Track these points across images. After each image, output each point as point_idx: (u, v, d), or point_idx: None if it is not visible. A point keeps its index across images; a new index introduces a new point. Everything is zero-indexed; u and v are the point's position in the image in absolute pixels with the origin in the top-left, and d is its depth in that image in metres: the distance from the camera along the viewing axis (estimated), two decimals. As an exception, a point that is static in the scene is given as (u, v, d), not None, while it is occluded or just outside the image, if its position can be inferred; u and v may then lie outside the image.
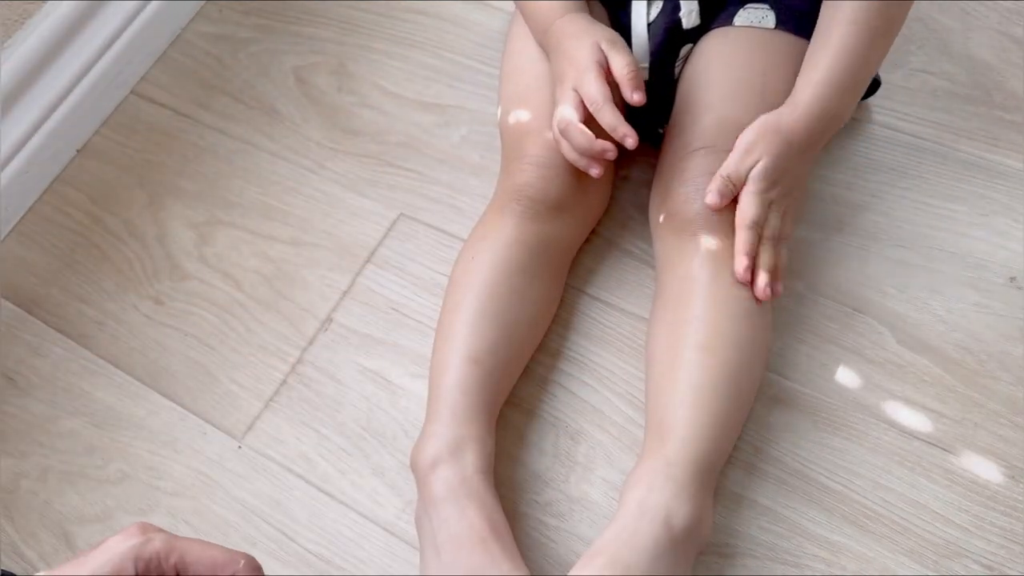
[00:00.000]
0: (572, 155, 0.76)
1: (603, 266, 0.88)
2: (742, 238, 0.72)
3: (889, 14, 0.73)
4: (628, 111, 0.81)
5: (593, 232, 0.89)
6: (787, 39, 0.79)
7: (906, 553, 0.72)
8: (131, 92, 1.10)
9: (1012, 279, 0.81)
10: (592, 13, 0.82)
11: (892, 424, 0.77)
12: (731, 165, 0.72)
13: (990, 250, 0.83)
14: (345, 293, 0.91)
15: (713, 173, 0.74)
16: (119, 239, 0.99)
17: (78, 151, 1.07)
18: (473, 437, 0.72)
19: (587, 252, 0.88)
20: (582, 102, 0.74)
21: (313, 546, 0.80)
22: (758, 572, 0.73)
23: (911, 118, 0.90)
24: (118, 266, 0.98)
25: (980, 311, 0.80)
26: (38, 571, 0.83)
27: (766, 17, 0.80)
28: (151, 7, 1.10)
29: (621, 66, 0.73)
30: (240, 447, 0.85)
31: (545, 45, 0.81)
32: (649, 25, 0.82)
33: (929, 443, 0.76)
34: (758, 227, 0.73)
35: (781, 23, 0.79)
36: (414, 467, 0.74)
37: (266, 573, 0.78)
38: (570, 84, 0.75)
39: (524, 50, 0.86)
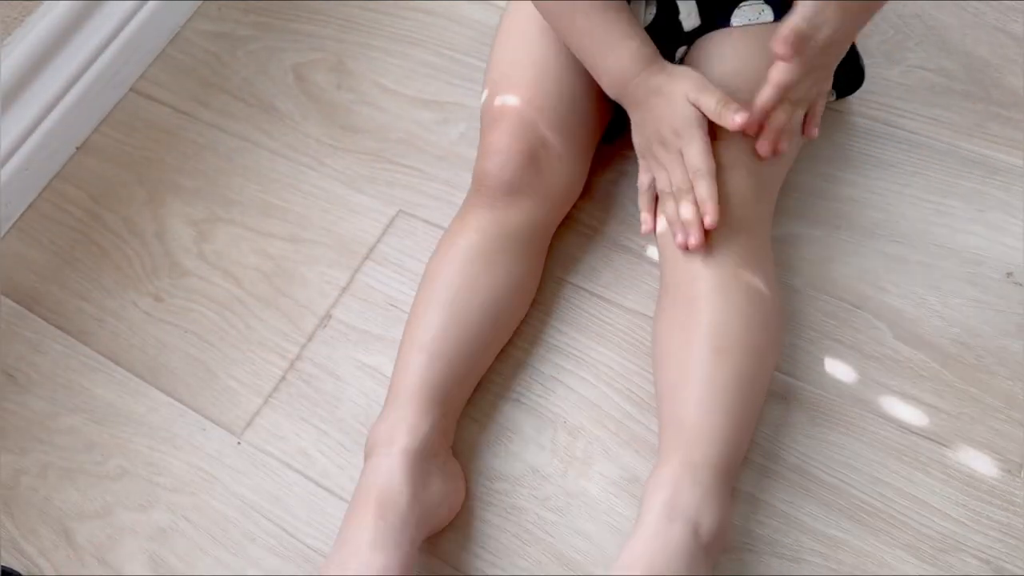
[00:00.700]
0: (675, 216, 0.75)
1: (601, 262, 0.88)
2: (767, 95, 0.71)
3: None
4: (615, 106, 0.83)
5: (591, 228, 0.89)
6: None
7: (903, 547, 0.72)
8: (130, 90, 1.10)
9: (1009, 274, 0.82)
10: None
11: (890, 419, 0.77)
12: (802, 22, 0.67)
13: (987, 246, 0.83)
14: (344, 290, 0.91)
15: (717, 178, 0.74)
16: (119, 236, 1.00)
17: (78, 148, 1.07)
18: (406, 421, 0.73)
19: (584, 248, 0.89)
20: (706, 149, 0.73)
21: (312, 541, 0.80)
22: (755, 567, 0.73)
23: (909, 114, 0.90)
24: (117, 263, 0.98)
25: (977, 306, 0.80)
26: (38, 567, 0.83)
27: (763, 12, 0.80)
28: (150, 5, 1.10)
29: (713, 105, 0.73)
30: (239, 443, 0.85)
31: (621, 99, 0.79)
32: (647, 28, 0.82)
33: (926, 438, 0.76)
34: (787, 90, 0.71)
35: (779, 16, 0.79)
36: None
37: (265, 569, 0.78)
38: (675, 148, 0.74)
39: (507, 41, 0.86)
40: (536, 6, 0.80)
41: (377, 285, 0.91)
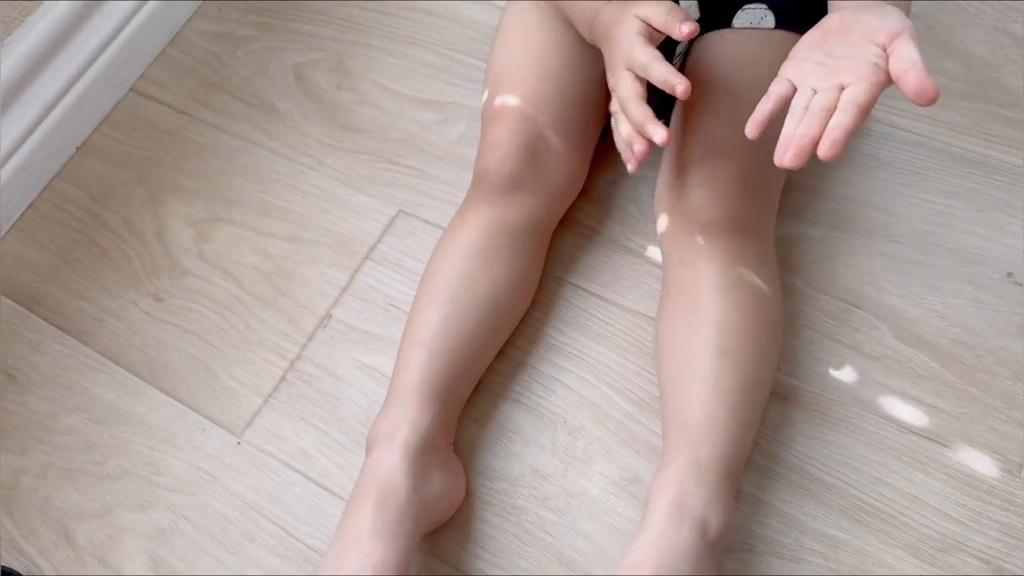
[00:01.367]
0: (622, 139, 0.71)
1: (600, 262, 0.88)
2: (855, 120, 0.59)
3: None
4: None
5: (590, 228, 0.89)
6: (788, 37, 0.78)
7: (903, 547, 0.72)
8: (130, 90, 1.10)
9: (1009, 274, 0.82)
10: None
11: (889, 419, 0.77)
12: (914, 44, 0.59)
13: (987, 246, 0.83)
14: (344, 290, 0.91)
15: (719, 179, 0.74)
16: (119, 236, 1.00)
17: (78, 148, 1.07)
18: (406, 417, 0.74)
19: (584, 248, 0.89)
20: (636, 76, 0.70)
21: (313, 541, 0.80)
22: (756, 567, 0.73)
23: (909, 114, 0.90)
24: (117, 263, 0.98)
25: (977, 306, 0.80)
26: (38, 567, 0.83)
27: (765, 17, 0.80)
28: (150, 5, 1.10)
29: (658, 15, 0.69)
30: (239, 443, 0.86)
31: (595, 42, 0.77)
32: None
33: (926, 438, 0.76)
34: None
35: (780, 23, 0.79)
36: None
37: (265, 569, 0.78)
38: (621, 64, 0.71)
39: (507, 39, 0.86)
40: None
41: (377, 285, 0.91)
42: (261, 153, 1.02)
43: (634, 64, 0.70)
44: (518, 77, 0.83)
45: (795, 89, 0.61)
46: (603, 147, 0.91)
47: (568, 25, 0.82)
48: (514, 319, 0.83)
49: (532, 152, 0.81)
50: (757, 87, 0.72)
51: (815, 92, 0.60)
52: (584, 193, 0.89)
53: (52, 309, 0.97)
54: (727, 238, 0.74)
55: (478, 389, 0.83)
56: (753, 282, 0.73)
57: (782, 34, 0.79)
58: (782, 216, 0.85)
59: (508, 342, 0.84)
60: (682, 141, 0.79)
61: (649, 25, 0.70)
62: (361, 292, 0.91)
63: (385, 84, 1.04)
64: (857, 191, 0.87)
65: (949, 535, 0.72)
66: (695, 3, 0.81)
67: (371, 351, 0.87)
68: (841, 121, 0.57)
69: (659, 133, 0.67)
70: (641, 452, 0.79)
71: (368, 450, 0.75)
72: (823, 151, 0.57)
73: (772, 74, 0.72)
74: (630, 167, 0.71)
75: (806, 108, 0.59)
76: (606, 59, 0.75)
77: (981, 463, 0.74)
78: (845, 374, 0.79)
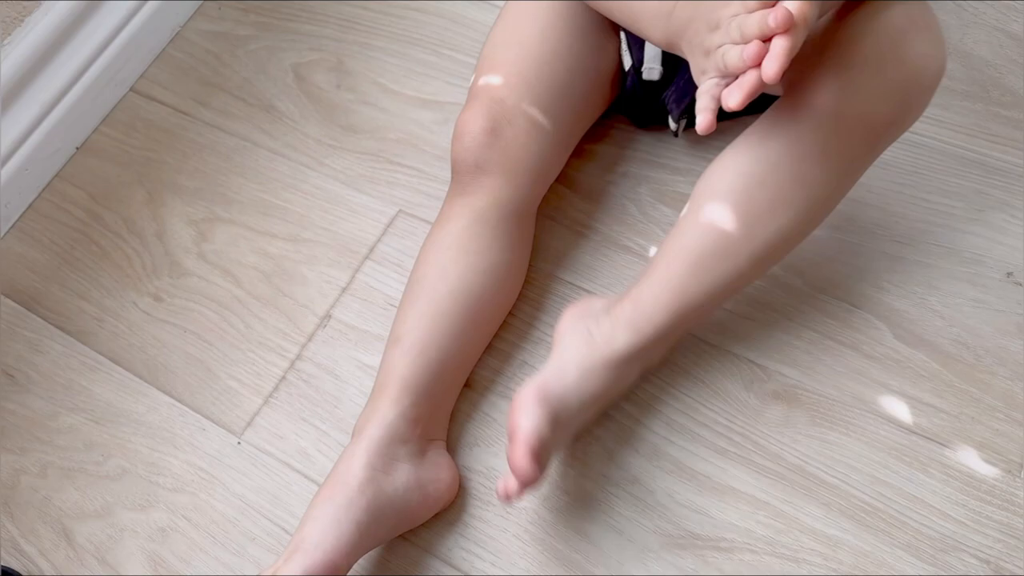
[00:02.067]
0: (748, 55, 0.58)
1: (600, 262, 0.88)
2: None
3: None
4: (642, 97, 0.85)
5: (590, 228, 0.89)
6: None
7: (903, 547, 0.72)
8: (130, 90, 1.10)
9: (1009, 274, 0.82)
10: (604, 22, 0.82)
11: (889, 419, 0.77)
12: None
13: (987, 246, 0.83)
14: (344, 290, 0.91)
15: None
16: (118, 236, 1.00)
17: (78, 148, 1.07)
18: (375, 411, 0.75)
19: (583, 248, 0.89)
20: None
21: (312, 541, 0.80)
22: (756, 566, 0.73)
23: (908, 114, 0.90)
24: (117, 263, 0.98)
25: (977, 306, 0.80)
26: (38, 567, 0.83)
27: None
28: (150, 5, 1.10)
29: None
30: (239, 443, 0.86)
31: (672, 42, 0.67)
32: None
33: (926, 438, 0.76)
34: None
35: None
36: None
37: (265, 569, 0.78)
38: (730, 20, 0.59)
39: (498, 27, 0.85)
40: None
41: (377, 285, 0.91)
42: (261, 153, 1.02)
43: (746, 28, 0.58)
44: (497, 60, 0.83)
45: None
46: (602, 147, 0.91)
47: (565, 15, 0.82)
48: (496, 309, 0.83)
49: (495, 133, 0.80)
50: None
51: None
52: (584, 193, 0.89)
53: (52, 309, 0.97)
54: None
55: (478, 388, 0.83)
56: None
57: None
58: (782, 216, 0.85)
59: (508, 342, 0.84)
60: None
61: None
62: (361, 292, 0.91)
63: (385, 84, 1.04)
64: (857, 191, 0.87)
65: (949, 535, 0.72)
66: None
67: (371, 351, 0.87)
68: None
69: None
70: (641, 452, 0.79)
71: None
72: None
73: None
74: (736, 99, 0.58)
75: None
76: (691, 65, 0.64)
77: (981, 463, 0.75)
78: (845, 374, 0.79)
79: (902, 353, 0.79)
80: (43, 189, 1.05)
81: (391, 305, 0.89)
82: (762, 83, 0.56)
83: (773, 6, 0.56)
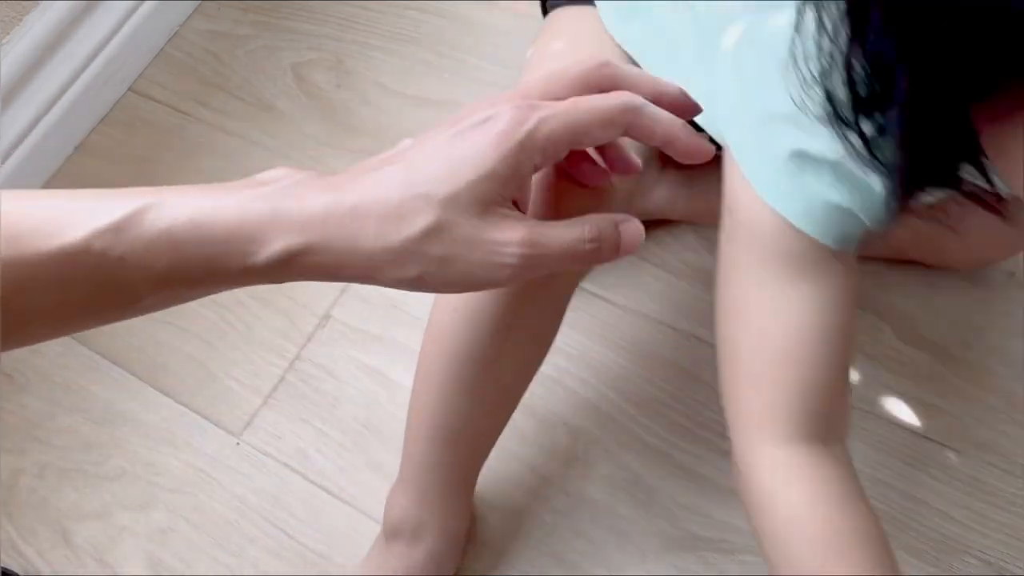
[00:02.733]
0: None
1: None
2: None
3: None
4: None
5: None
6: None
7: (905, 549, 0.72)
8: (129, 89, 1.10)
9: (1012, 275, 0.81)
10: None
11: (891, 419, 0.77)
12: None
13: (989, 245, 0.83)
14: (344, 290, 0.91)
15: None
16: (117, 236, 0.99)
17: (76, 148, 1.07)
18: (435, 519, 0.71)
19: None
20: None
21: (312, 542, 0.79)
22: (757, 567, 0.73)
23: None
24: (116, 263, 0.98)
25: (979, 306, 0.80)
26: (36, 568, 0.83)
27: None
28: (149, 4, 1.10)
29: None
30: (238, 443, 0.85)
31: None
32: None
33: (928, 438, 0.76)
34: None
35: None
36: (384, 514, 0.73)
37: (264, 570, 0.78)
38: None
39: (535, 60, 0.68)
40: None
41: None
42: (260, 152, 1.01)
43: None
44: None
45: None
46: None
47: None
48: (505, 384, 0.66)
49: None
50: None
51: None
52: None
53: (50, 309, 0.96)
54: None
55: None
56: None
57: None
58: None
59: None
60: None
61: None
62: (361, 292, 0.91)
63: (384, 83, 1.03)
64: (858, 191, 0.87)
65: (951, 536, 0.72)
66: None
67: (371, 351, 0.87)
68: None
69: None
70: (641, 453, 0.78)
71: (388, 533, 0.72)
72: None
73: None
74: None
75: None
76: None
77: (983, 464, 0.74)
78: (846, 374, 0.79)
79: (905, 353, 0.79)
80: (41, 189, 1.05)
81: (391, 305, 0.89)
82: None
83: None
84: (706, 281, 0.82)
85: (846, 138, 0.44)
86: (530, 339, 0.63)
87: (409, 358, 0.86)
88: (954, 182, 0.43)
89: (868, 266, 0.83)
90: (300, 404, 0.86)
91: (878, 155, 0.44)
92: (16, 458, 0.88)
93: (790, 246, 0.52)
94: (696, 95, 0.41)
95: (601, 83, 0.39)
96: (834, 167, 0.48)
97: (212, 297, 0.96)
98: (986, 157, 0.41)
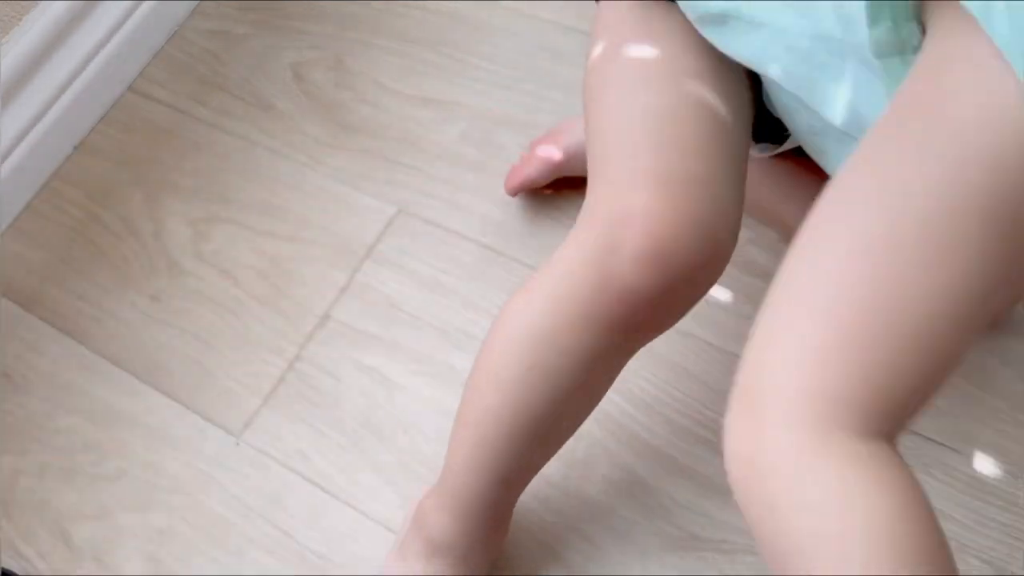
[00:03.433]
0: None
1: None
2: None
3: None
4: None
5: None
6: None
7: (906, 549, 0.72)
8: (128, 88, 1.10)
9: (1012, 274, 0.81)
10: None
11: (891, 420, 0.77)
12: None
13: (990, 245, 0.83)
14: (343, 290, 0.91)
15: None
16: (116, 236, 0.99)
17: (75, 147, 1.07)
18: (482, 543, 0.70)
19: (586, 248, 0.88)
20: None
21: (311, 543, 0.79)
22: (759, 568, 0.73)
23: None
24: (115, 263, 0.97)
25: (980, 306, 0.80)
26: (36, 568, 0.83)
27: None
28: (148, 3, 1.10)
29: None
30: (238, 444, 0.85)
31: None
32: None
33: (929, 439, 0.76)
34: None
35: None
36: (418, 515, 0.71)
37: (263, 570, 0.78)
38: None
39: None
40: None
41: (376, 285, 0.91)
42: (260, 152, 1.01)
43: None
44: None
45: None
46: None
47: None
48: (561, 436, 0.67)
49: None
50: None
51: None
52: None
53: (50, 309, 0.96)
54: None
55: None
56: None
57: None
58: (783, 215, 0.84)
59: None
60: None
61: None
62: (360, 292, 0.90)
63: (384, 82, 1.03)
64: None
65: (952, 537, 0.71)
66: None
67: (370, 352, 0.87)
68: None
69: None
70: (641, 453, 0.78)
71: (426, 548, 0.70)
72: None
73: None
74: None
75: None
76: None
77: (984, 464, 0.74)
78: (847, 374, 0.79)
79: (904, 353, 0.79)
80: (40, 189, 1.05)
81: (390, 305, 0.89)
82: None
83: None
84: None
85: None
86: (597, 396, 0.64)
87: (409, 358, 0.86)
88: None
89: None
90: (300, 404, 0.86)
91: None
92: (16, 458, 0.88)
93: None
94: None
95: None
96: None
97: (212, 297, 0.97)
98: None
